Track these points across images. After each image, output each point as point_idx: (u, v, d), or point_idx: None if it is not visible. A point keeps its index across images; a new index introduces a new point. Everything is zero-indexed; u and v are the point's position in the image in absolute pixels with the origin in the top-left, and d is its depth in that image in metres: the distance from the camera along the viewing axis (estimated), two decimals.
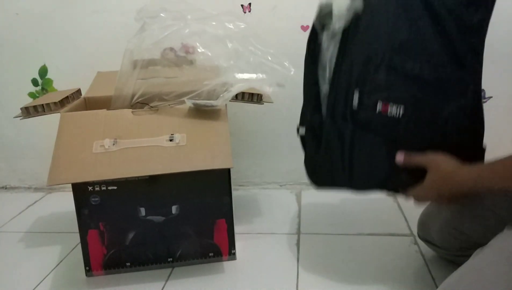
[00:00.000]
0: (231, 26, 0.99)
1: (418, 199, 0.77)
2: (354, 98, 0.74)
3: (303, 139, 0.86)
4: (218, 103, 0.90)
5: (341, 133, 0.76)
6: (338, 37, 0.76)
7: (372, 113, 0.73)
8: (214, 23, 0.98)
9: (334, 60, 0.77)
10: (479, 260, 0.63)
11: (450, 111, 0.72)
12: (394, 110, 0.72)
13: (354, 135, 0.75)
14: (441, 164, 0.71)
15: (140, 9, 1.00)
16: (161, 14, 0.99)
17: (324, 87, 0.79)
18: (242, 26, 0.99)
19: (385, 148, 0.74)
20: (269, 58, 0.96)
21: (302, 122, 0.87)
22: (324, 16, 0.79)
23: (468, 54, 0.72)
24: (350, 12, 0.74)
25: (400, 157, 0.74)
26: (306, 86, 0.84)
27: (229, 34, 0.97)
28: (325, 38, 0.79)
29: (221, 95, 0.90)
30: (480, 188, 0.68)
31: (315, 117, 0.81)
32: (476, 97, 0.74)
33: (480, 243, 0.66)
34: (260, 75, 0.92)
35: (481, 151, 0.76)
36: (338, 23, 0.75)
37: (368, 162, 0.76)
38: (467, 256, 0.66)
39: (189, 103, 0.91)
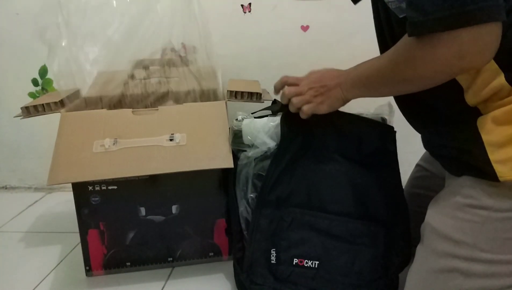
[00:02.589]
0: None
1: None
2: (272, 255, 0.80)
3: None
4: None
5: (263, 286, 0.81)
6: (252, 163, 0.83)
7: (290, 265, 0.79)
8: None
9: (251, 179, 0.83)
10: None
11: (363, 262, 0.78)
12: (310, 262, 0.78)
13: (275, 287, 0.80)
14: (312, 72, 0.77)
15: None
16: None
17: (242, 203, 0.84)
18: None
19: None
20: None
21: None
22: (237, 142, 0.86)
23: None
24: (263, 148, 0.81)
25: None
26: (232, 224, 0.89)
27: None
28: (243, 158, 0.85)
29: None
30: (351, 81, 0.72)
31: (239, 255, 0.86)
32: (386, 248, 0.80)
33: None
34: None
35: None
36: (251, 152, 0.82)
37: None
38: None
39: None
